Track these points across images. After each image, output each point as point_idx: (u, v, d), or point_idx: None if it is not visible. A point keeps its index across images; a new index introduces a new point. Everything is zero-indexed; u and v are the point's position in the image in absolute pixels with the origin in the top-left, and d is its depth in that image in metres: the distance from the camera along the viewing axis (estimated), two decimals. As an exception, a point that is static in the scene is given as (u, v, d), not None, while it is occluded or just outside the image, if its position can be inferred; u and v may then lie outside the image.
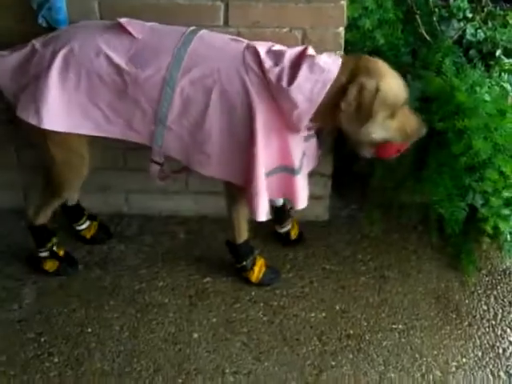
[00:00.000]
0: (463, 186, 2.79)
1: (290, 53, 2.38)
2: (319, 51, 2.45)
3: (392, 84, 2.36)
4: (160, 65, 2.35)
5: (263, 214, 2.50)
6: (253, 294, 2.89)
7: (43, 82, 2.35)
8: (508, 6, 3.52)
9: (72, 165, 2.62)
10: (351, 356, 2.64)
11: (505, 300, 2.92)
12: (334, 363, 2.61)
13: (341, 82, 2.32)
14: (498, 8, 3.37)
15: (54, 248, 2.93)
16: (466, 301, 2.91)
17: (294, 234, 3.16)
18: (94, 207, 3.17)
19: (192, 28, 2.45)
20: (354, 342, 2.70)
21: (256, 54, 2.36)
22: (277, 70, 2.32)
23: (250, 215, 2.60)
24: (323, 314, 2.82)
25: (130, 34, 2.38)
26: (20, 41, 2.50)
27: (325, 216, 3.29)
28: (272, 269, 2.97)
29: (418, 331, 2.76)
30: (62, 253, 2.96)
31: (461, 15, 3.10)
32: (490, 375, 2.59)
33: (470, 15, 3.11)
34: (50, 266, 2.94)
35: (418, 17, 3.00)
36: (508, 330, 2.78)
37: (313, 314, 2.81)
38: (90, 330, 2.72)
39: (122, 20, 2.40)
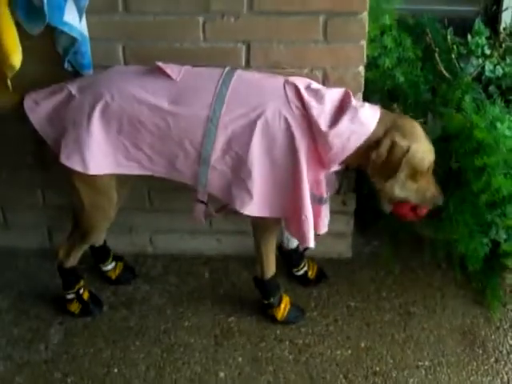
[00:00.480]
0: (485, 222, 2.78)
1: (331, 95, 2.43)
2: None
3: (422, 148, 2.44)
4: (202, 103, 2.38)
5: (312, 240, 2.50)
6: (278, 332, 2.89)
7: (85, 130, 2.37)
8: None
9: (101, 208, 2.65)
10: (378, 394, 2.65)
11: (531, 335, 2.91)
12: (361, 401, 2.62)
13: (376, 135, 2.39)
14: (515, 43, 3.38)
15: (81, 291, 2.95)
16: (492, 336, 2.89)
17: (311, 275, 3.16)
18: (119, 248, 3.19)
19: (228, 68, 2.48)
20: (381, 379, 2.69)
21: (296, 89, 2.40)
22: (319, 109, 2.37)
23: (300, 243, 2.68)
24: (349, 352, 2.81)
25: (169, 76, 2.41)
26: (45, 82, 2.55)
27: (348, 253, 3.29)
28: (296, 307, 2.98)
29: (444, 368, 2.74)
30: (86, 295, 2.98)
31: (479, 52, 3.12)
32: (518, 411, 2.59)
33: (488, 51, 3.12)
34: (76, 307, 2.96)
35: (436, 54, 3.01)
36: (535, 365, 2.77)
37: (338, 352, 2.81)
38: (116, 370, 2.74)
39: (160, 63, 2.44)
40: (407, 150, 2.37)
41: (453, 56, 3.07)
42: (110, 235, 3.06)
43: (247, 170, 2.40)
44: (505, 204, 2.75)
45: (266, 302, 2.91)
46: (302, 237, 2.51)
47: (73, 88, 2.46)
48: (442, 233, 2.89)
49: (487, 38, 3.17)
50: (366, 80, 2.83)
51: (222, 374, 2.71)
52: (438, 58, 3.02)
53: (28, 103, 2.48)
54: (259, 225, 2.75)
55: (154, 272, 3.24)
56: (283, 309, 2.92)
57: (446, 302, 3.05)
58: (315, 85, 2.49)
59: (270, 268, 2.85)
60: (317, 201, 2.51)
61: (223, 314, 2.99)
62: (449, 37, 3.11)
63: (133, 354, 2.80)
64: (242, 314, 2.98)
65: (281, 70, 2.69)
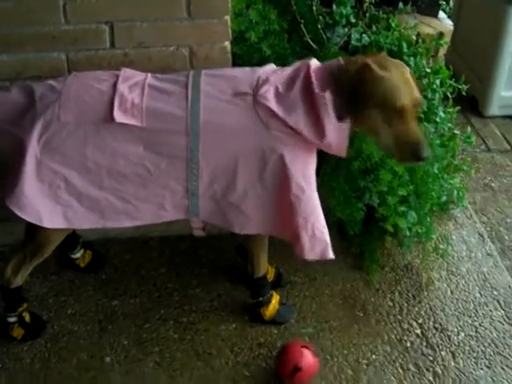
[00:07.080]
0: (359, 187, 2.86)
1: (296, 93, 2.29)
2: (208, 66, 2.55)
3: (396, 81, 2.23)
4: (178, 147, 2.28)
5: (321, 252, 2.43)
6: (162, 312, 2.88)
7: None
8: (390, 9, 3.63)
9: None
10: (264, 364, 2.67)
11: (409, 294, 3.00)
12: (247, 373, 2.63)
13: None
14: (380, 12, 3.46)
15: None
16: (372, 299, 2.98)
17: None
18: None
19: (190, 97, 2.30)
20: (266, 349, 2.73)
21: (268, 109, 2.27)
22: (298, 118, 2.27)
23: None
24: (233, 326, 2.83)
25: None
26: None
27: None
28: (287, 306, 2.90)
29: (327, 333, 2.80)
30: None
31: (344, 21, 3.17)
32: (399, 369, 2.66)
33: (353, 21, 3.18)
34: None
35: (302, 26, 3.05)
36: (414, 323, 2.86)
37: (223, 327, 2.82)
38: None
39: (117, 116, 2.24)
40: (378, 76, 2.19)
41: (319, 26, 3.12)
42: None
43: (239, 194, 2.35)
44: (377, 169, 2.83)
45: (254, 301, 2.83)
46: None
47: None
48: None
49: (352, 8, 3.23)
50: (234, 55, 2.84)
51: (108, 359, 2.68)
52: (304, 30, 3.06)
53: None
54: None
55: (33, 261, 3.15)
56: (272, 308, 2.83)
57: (326, 268, 3.11)
58: (281, 87, 2.30)
59: (262, 267, 2.76)
60: None
61: (106, 299, 2.94)
62: (314, 7, 3.15)
63: (15, 348, 2.73)
64: (125, 297, 2.95)
65: (147, 50, 2.70)
